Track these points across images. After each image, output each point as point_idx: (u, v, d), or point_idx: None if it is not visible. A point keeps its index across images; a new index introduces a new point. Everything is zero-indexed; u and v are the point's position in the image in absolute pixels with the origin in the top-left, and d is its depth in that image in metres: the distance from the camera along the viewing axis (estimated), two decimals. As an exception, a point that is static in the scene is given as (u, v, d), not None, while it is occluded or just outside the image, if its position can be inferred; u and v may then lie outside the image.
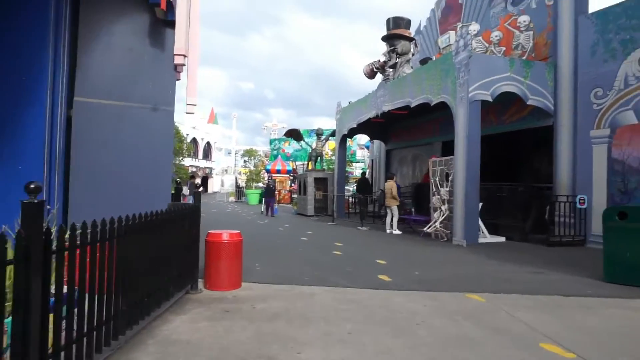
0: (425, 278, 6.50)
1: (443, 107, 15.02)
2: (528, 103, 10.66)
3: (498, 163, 13.40)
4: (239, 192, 39.21)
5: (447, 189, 10.86)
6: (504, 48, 12.08)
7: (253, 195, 33.69)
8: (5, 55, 4.73)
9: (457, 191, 10.30)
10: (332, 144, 39.26)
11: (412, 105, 12.68)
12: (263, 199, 22.20)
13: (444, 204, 11.01)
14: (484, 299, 5.34)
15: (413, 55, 15.30)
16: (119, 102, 5.84)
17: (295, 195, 27.45)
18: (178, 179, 19.36)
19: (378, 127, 19.59)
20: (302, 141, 23.29)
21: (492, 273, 6.94)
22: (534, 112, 11.59)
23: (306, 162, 25.37)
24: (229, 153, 75.35)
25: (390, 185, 12.62)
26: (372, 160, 24.22)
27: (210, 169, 66.68)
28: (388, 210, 12.88)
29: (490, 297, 5.43)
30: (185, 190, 27.89)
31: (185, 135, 57.79)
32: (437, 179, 11.40)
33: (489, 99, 10.27)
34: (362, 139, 48.03)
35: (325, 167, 22.42)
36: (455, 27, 14.96)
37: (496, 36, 12.12)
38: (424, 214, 13.82)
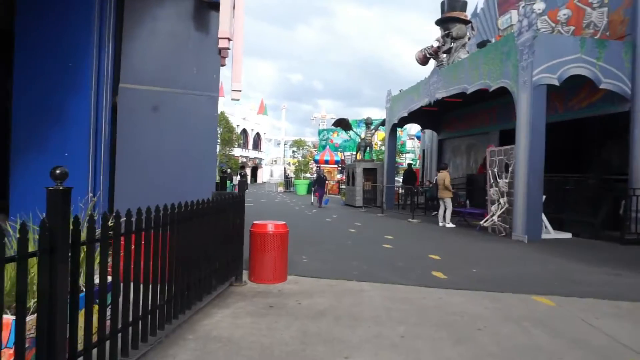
0: (485, 277, 5.98)
1: (502, 93, 14.10)
2: (601, 87, 9.68)
3: (563, 153, 12.37)
4: (288, 183, 39.47)
5: (507, 181, 10.12)
6: (573, 27, 11.07)
7: (301, 186, 33.74)
8: (51, 42, 4.69)
9: (518, 183, 9.56)
10: (381, 135, 38.56)
11: (469, 92, 11.94)
12: (312, 189, 21.59)
13: (502, 197, 10.29)
14: (554, 302, 4.78)
15: (469, 39, 14.44)
16: (163, 88, 5.72)
17: (343, 186, 27.14)
18: (228, 169, 19.50)
19: (430, 115, 18.81)
20: (350, 131, 22.85)
21: (560, 273, 6.30)
22: (607, 97, 10.54)
23: (355, 153, 24.94)
24: (278, 144, 76.17)
25: (443, 176, 11.99)
26: (424, 151, 23.42)
27: (260, 159, 67.66)
28: (441, 203, 12.27)
29: (562, 300, 4.86)
30: (236, 180, 28.37)
31: (235, 126, 58.93)
32: (495, 170, 10.66)
33: (556, 82, 9.41)
34: (412, 129, 46.82)
35: (374, 158, 21.90)
36: (518, 6, 13.94)
37: (564, 14, 11.11)
38: (479, 207, 13.08)
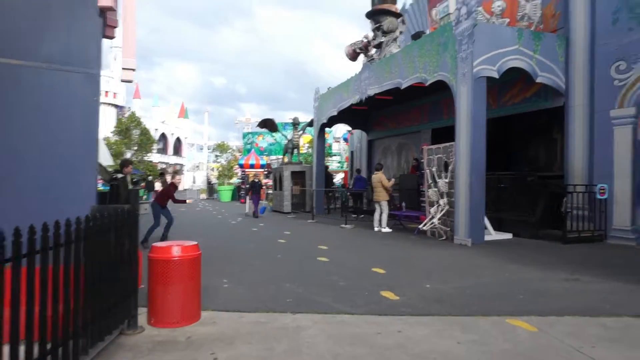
0: (442, 294, 5.00)
1: (434, 90, 13.67)
2: (537, 80, 9.31)
3: (497, 151, 12.05)
4: (211, 189, 37.27)
5: (447, 180, 9.43)
6: (507, 19, 10.73)
7: (225, 192, 31.87)
8: None
9: (460, 182, 8.87)
10: (307, 137, 37.61)
11: (403, 87, 11.19)
12: (247, 197, 18.13)
13: (442, 198, 9.58)
14: (534, 326, 3.86)
15: (401, 33, 13.81)
16: (17, 61, 4.10)
17: (270, 191, 25.79)
18: (146, 177, 17.30)
19: (359, 115, 18.10)
20: (277, 132, 21.58)
21: (520, 282, 5.50)
22: (540, 92, 10.28)
23: (282, 156, 23.73)
24: (200, 149, 72.73)
25: (379, 178, 11.11)
26: (352, 152, 22.76)
27: (181, 165, 64.02)
28: (376, 206, 11.38)
29: (541, 323, 3.95)
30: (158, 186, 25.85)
31: (153, 130, 55.09)
32: (433, 169, 9.95)
33: (495, 75, 8.86)
34: (338, 131, 46.45)
35: (302, 160, 20.82)
36: None
37: (498, 6, 10.75)
38: (413, 209, 12.40)
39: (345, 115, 16.95)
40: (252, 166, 33.26)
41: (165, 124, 58.22)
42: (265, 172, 34.81)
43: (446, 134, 13.81)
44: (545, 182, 9.67)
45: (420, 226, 9.89)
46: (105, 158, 18.36)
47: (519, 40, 9.09)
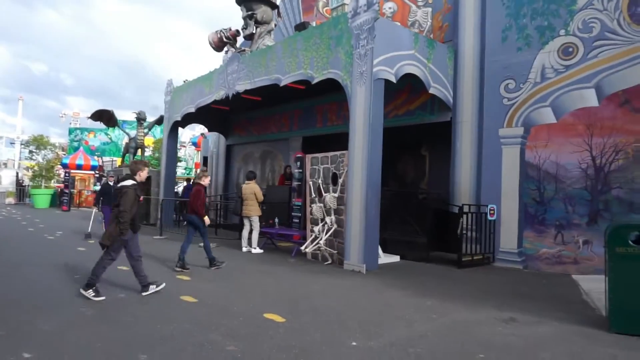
0: (381, 357, 3.49)
1: (306, 96, 12.49)
2: (430, 91, 8.68)
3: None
4: (22, 192, 30.27)
5: (336, 195, 8.11)
6: (398, 23, 10.01)
7: (41, 196, 25.98)
8: None
9: (353, 197, 7.62)
10: (148, 140, 33.40)
11: (283, 84, 9.64)
12: (96, 208, 12.11)
13: (329, 215, 8.23)
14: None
15: (275, 26, 12.30)
16: None
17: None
18: None
19: (219, 116, 16.02)
20: (115, 127, 18.04)
21: (460, 331, 4.32)
22: (426, 106, 9.79)
23: (121, 157, 20.10)
24: (11, 143, 60.23)
25: (252, 188, 9.29)
26: (205, 158, 20.37)
27: (-19, 161, 51.98)
28: (246, 222, 9.52)
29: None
30: None
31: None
32: (319, 181, 8.55)
33: (393, 79, 7.91)
34: (184, 135, 42.54)
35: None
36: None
37: (390, 8, 10.01)
38: (283, 225, 10.86)
39: (202, 115, 14.69)
40: (79, 167, 28.03)
41: (-41, 108, 46.48)
42: (97, 175, 29.74)
43: (320, 143, 12.74)
44: (437, 201, 9.10)
45: (303, 247, 8.36)
46: None
47: (415, 45, 8.35)
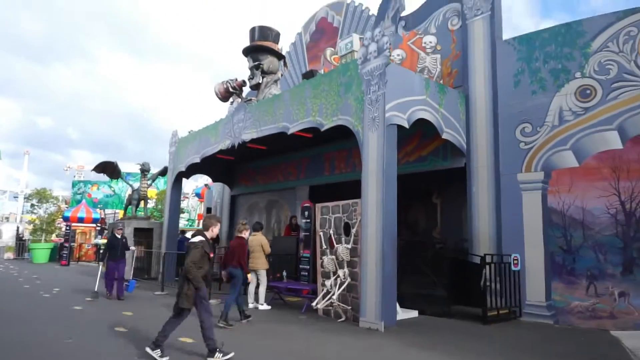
0: None
1: (313, 144, 12.30)
2: (443, 137, 8.41)
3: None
4: (21, 246, 29.70)
5: (349, 246, 7.64)
6: (408, 69, 9.94)
7: (40, 251, 25.41)
8: None
9: (368, 249, 7.15)
10: (151, 192, 33.24)
11: (291, 132, 9.43)
12: (101, 265, 10.79)
13: (341, 268, 7.71)
14: None
15: (282, 76, 12.32)
16: None
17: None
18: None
19: (224, 166, 15.79)
20: (119, 179, 17.81)
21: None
22: (438, 151, 9.51)
23: (123, 208, 19.82)
24: (15, 197, 60.29)
25: (260, 240, 8.84)
26: (209, 209, 19.99)
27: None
28: (253, 276, 8.98)
29: None
30: None
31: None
32: (330, 232, 8.10)
33: (406, 124, 7.66)
34: (186, 186, 42.35)
35: (149, 215, 17.33)
36: (362, 38, 12.60)
37: (398, 55, 9.97)
38: (291, 279, 10.28)
39: (207, 165, 14.48)
40: (81, 220, 27.61)
41: (-35, 163, 46.90)
42: (98, 228, 29.29)
43: (327, 192, 12.39)
44: (454, 251, 8.59)
45: (314, 303, 7.77)
46: None
47: (427, 90, 8.18)
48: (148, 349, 4.95)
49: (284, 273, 9.54)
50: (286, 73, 14.26)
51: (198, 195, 33.24)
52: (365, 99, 7.63)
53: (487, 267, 7.22)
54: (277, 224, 14.42)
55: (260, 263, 8.77)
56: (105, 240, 25.10)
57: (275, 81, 11.96)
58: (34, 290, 11.28)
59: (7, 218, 58.64)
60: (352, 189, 10.80)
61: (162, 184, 40.48)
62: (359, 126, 7.72)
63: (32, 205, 29.10)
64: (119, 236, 10.40)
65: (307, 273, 10.11)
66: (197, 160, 13.31)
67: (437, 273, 8.14)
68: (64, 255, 22.58)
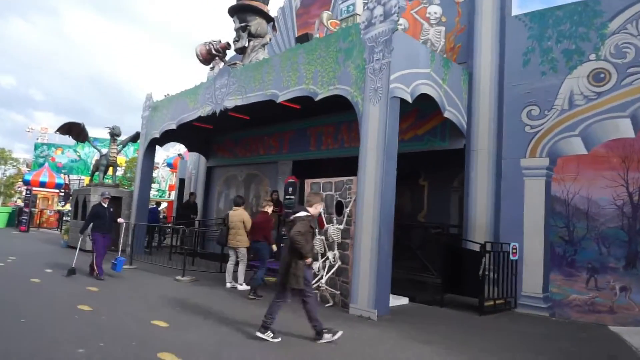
0: None
1: (299, 117, 11.58)
2: (445, 115, 7.86)
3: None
4: (-25, 210, 27.99)
5: (341, 227, 7.08)
6: (414, 39, 9.28)
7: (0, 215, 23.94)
8: None
9: (363, 230, 6.61)
10: (121, 159, 31.76)
11: (280, 100, 8.68)
12: (85, 237, 10.00)
13: (331, 250, 7.16)
14: None
15: (270, 40, 11.45)
16: None
17: (67, 219, 20.03)
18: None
19: (201, 135, 14.88)
20: (86, 142, 16.62)
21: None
22: (436, 131, 8.98)
23: (90, 175, 18.71)
24: (-29, 157, 56.88)
25: (241, 216, 8.18)
26: (182, 180, 19.07)
27: None
28: (232, 253, 8.35)
29: None
30: None
31: None
32: (320, 211, 7.50)
33: (409, 98, 7.06)
34: (157, 156, 40.67)
35: (118, 182, 16.29)
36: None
37: (400, 25, 9.21)
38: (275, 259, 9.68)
39: (183, 133, 13.59)
40: (43, 184, 26.11)
41: None
42: (61, 194, 27.83)
43: (312, 168, 11.77)
44: (448, 236, 8.17)
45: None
46: None
47: (432, 63, 7.57)
48: (258, 333, 4.84)
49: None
50: (273, 40, 13.36)
51: (170, 165, 31.97)
52: (368, 68, 6.97)
53: (487, 255, 6.80)
54: (256, 199, 13.71)
55: (241, 240, 8.12)
56: (68, 207, 23.74)
57: (263, 45, 11.10)
58: (-13, 259, 10.29)
59: (-38, 178, 55.43)
60: (339, 166, 10.23)
61: (132, 151, 38.87)
62: (359, 97, 7.07)
63: (-10, 166, 27.26)
64: (106, 205, 8.97)
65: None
66: (173, 126, 12.38)
67: (429, 259, 7.72)
68: (24, 220, 21.23)
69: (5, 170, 26.85)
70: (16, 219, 23.07)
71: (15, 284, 7.41)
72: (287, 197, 10.43)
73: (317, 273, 7.15)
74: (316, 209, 5.21)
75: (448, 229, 8.95)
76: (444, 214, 9.75)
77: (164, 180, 41.34)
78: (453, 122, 8.10)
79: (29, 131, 62.17)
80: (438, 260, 7.68)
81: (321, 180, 7.70)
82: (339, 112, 10.14)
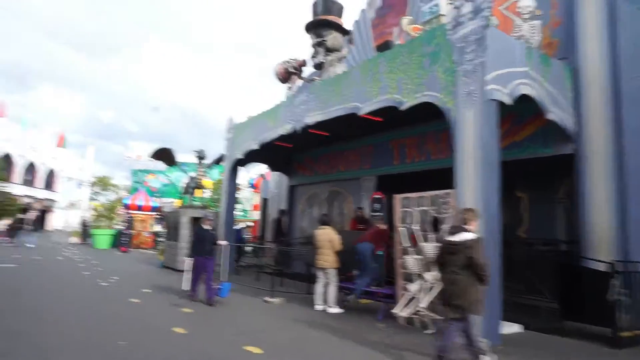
0: None
1: (378, 130, 11.17)
2: (548, 117, 7.03)
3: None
4: (85, 232, 30.75)
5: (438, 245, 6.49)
6: (506, 35, 8.56)
7: (102, 237, 26.03)
8: None
9: (463, 249, 5.95)
10: (207, 182, 33.23)
11: (362, 113, 8.34)
12: (189, 260, 8.83)
13: (428, 270, 6.58)
14: None
15: (347, 54, 11.23)
16: None
17: (161, 240, 21.13)
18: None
19: (281, 154, 14.97)
20: (175, 167, 17.49)
21: None
22: (537, 137, 8.08)
23: (176, 200, 19.55)
24: (80, 185, 63.43)
25: (329, 235, 7.88)
26: (265, 200, 19.37)
27: (53, 201, 54.59)
28: (320, 275, 8.04)
29: None
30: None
31: (17, 156, 46.39)
32: (415, 227, 6.96)
33: (508, 100, 6.38)
34: (240, 177, 42.19)
35: (206, 204, 16.88)
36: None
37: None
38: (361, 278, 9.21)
39: (264, 153, 13.71)
40: (140, 208, 28.03)
41: (35, 151, 49.57)
42: (157, 217, 29.65)
43: (395, 182, 11.22)
44: (560, 254, 7.22)
45: (396, 310, 6.70)
46: None
47: (529, 61, 6.81)
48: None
49: (356, 272, 8.49)
50: (350, 55, 13.15)
51: (252, 185, 32.89)
52: (459, 70, 6.39)
53: (617, 276, 5.81)
54: (341, 217, 13.39)
55: (329, 261, 7.80)
56: (161, 229, 25.20)
57: (340, 59, 10.91)
58: (89, 280, 10.91)
59: (74, 205, 61.66)
60: (424, 180, 9.60)
61: (217, 174, 40.81)
62: (451, 103, 6.50)
63: (95, 193, 29.92)
64: (208, 228, 8.70)
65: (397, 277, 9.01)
66: (255, 146, 12.52)
67: (542, 280, 6.82)
68: (124, 242, 22.84)
69: (107, 196, 29.20)
70: (118, 241, 24.93)
71: (116, 304, 7.67)
72: (374, 213, 9.98)
73: (414, 296, 6.58)
74: (472, 225, 4.77)
75: (559, 245, 7.94)
76: (549, 229, 8.69)
77: (246, 200, 42.80)
78: (557, 124, 7.21)
79: (126, 159, 68.15)
80: (549, 281, 6.76)
81: (413, 195, 7.16)
82: (424, 122, 9.59)
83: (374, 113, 8.47)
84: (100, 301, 7.96)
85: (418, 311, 6.46)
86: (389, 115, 8.17)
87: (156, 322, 6.50)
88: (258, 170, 38.49)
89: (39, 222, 44.48)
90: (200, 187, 15.81)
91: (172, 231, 15.11)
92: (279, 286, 10.39)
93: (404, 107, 7.36)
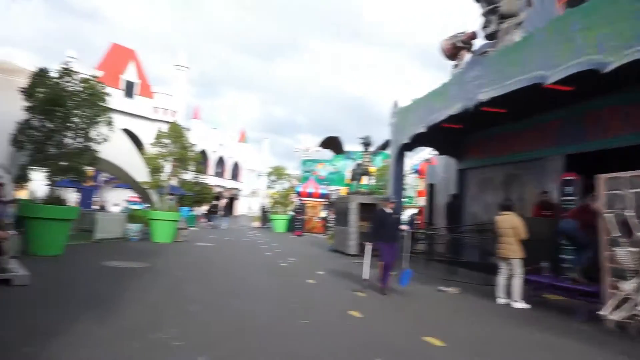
0: None
1: (568, 101, 9.61)
2: None
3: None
4: (265, 217, 34.38)
5: (662, 235, 5.22)
6: None
7: (279, 221, 28.74)
8: None
9: None
10: (372, 169, 33.73)
11: (550, 81, 7.19)
12: (368, 244, 8.10)
13: (648, 265, 5.35)
14: None
15: (526, 17, 9.90)
16: None
17: (330, 225, 22.17)
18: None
19: (450, 136, 14.11)
20: (342, 154, 18.06)
21: None
22: None
23: (343, 187, 20.13)
24: (259, 175, 71.30)
25: (512, 222, 7.06)
26: (431, 186, 18.66)
27: (238, 190, 62.43)
28: (503, 265, 7.27)
29: None
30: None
31: (211, 152, 53.83)
32: (626, 214, 5.74)
33: None
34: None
35: (372, 190, 17.03)
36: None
37: None
38: (551, 271, 8.06)
39: (431, 136, 13.05)
40: (310, 195, 29.98)
41: (223, 146, 57.14)
42: (325, 203, 31.31)
43: (592, 161, 9.54)
44: None
45: (604, 312, 5.64)
46: (139, 173, 15.68)
47: None
48: None
49: (544, 264, 7.48)
50: (527, 20, 11.61)
51: (416, 171, 32.27)
52: (693, 13, 4.96)
53: None
54: (521, 203, 12.04)
55: (512, 250, 7.00)
56: (329, 215, 26.48)
57: (518, 24, 9.65)
58: (271, 260, 11.90)
59: (255, 193, 69.36)
60: (633, 157, 7.92)
61: (380, 161, 41.22)
62: (680, 56, 5.10)
63: (271, 181, 33.05)
64: (390, 211, 7.89)
65: (572, 266, 7.80)
66: (423, 129, 11.99)
67: None
68: (297, 226, 24.75)
69: (282, 185, 31.96)
70: (292, 225, 27.19)
71: (295, 284, 8.14)
72: (564, 198, 8.65)
73: (629, 297, 5.44)
74: None
75: None
76: None
77: (411, 187, 42.26)
78: None
79: (296, 151, 73.85)
80: None
81: (626, 174, 5.88)
82: (628, 87, 7.91)
83: (562, 82, 7.26)
84: (282, 282, 8.54)
85: (634, 315, 5.30)
86: (582, 83, 6.88)
87: (333, 303, 6.66)
88: (422, 155, 37.65)
89: (229, 208, 51.35)
90: (366, 173, 16.00)
91: (341, 217, 15.63)
92: (452, 275, 9.85)
93: (608, 69, 6.07)
